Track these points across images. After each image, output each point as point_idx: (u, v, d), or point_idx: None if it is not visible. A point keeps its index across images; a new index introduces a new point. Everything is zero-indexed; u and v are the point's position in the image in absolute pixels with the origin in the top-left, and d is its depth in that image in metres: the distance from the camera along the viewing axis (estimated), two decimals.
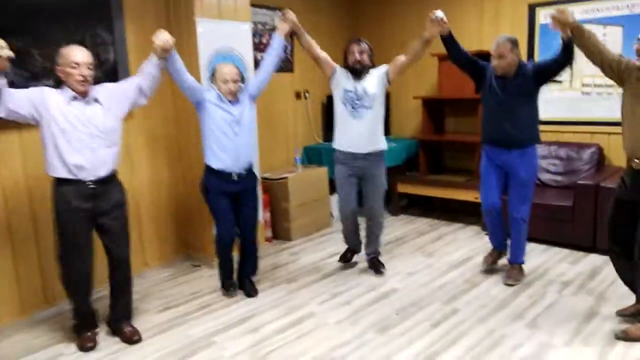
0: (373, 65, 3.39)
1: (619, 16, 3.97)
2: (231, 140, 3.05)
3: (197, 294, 3.42)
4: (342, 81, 3.37)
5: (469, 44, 4.64)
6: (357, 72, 3.32)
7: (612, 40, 4.01)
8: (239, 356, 2.64)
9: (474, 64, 3.28)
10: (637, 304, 2.74)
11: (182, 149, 3.94)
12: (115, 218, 2.72)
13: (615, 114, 4.16)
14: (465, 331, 2.79)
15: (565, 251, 3.89)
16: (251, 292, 3.33)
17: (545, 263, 3.70)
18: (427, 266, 3.74)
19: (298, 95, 5.08)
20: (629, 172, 2.55)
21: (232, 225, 3.18)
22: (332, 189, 4.92)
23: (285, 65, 4.87)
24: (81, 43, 3.20)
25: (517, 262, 3.43)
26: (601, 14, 4.07)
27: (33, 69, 3.05)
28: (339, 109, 3.42)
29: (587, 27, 2.63)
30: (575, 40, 2.66)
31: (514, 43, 3.10)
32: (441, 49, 4.95)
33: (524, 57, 4.43)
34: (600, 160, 4.12)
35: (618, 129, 4.05)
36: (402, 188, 4.98)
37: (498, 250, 3.57)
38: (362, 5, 5.53)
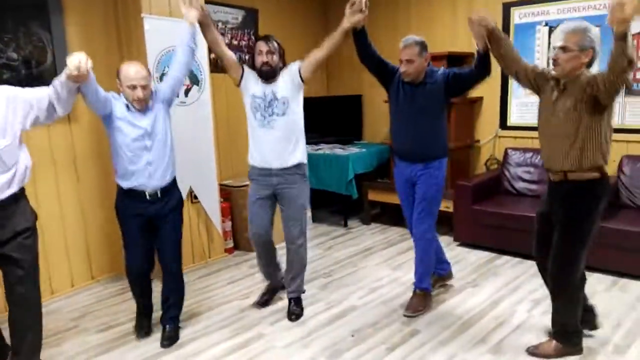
0: (284, 65, 2.89)
1: (597, 16, 3.77)
2: (141, 156, 2.59)
3: None
4: (250, 86, 2.87)
5: (442, 44, 4.45)
6: (266, 75, 2.83)
7: None
8: None
9: (383, 66, 2.93)
10: None
11: None
12: (19, 248, 2.22)
13: None
14: (423, 355, 2.56)
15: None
16: (165, 340, 2.75)
17: (516, 278, 3.49)
18: (392, 280, 3.51)
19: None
20: (548, 183, 2.46)
21: (143, 253, 2.71)
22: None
23: (251, 66, 4.63)
24: (15, 41, 3.01)
25: (419, 288, 3.06)
26: (578, 13, 3.87)
27: None
28: (249, 118, 2.92)
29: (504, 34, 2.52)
30: (492, 47, 2.52)
31: (423, 46, 2.81)
32: None
33: (497, 74, 4.22)
34: None
35: None
36: (373, 196, 4.76)
37: (436, 274, 3.26)
38: (334, 7, 5.31)
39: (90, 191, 3.55)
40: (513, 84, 4.25)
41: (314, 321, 2.97)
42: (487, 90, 4.39)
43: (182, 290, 2.88)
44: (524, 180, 4.07)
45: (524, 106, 4.22)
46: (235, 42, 4.48)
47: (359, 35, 2.80)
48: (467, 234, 4.07)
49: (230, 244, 4.21)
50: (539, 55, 4.10)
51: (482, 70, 2.70)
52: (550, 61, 2.40)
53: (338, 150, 4.73)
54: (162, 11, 3.46)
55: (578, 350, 2.49)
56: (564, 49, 2.23)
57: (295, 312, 3.03)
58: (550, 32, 4.02)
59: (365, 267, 3.79)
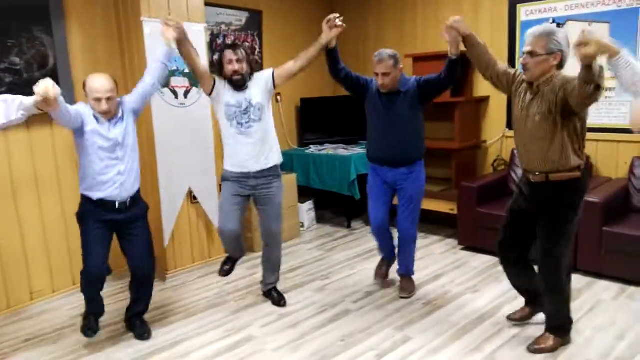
0: (252, 72, 2.96)
1: (606, 12, 3.63)
2: (113, 166, 2.60)
3: None
4: (223, 95, 2.91)
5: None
6: (237, 83, 2.88)
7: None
8: None
9: (356, 81, 3.06)
10: (525, 307, 2.82)
11: None
12: None
13: (604, 120, 3.91)
14: None
15: None
16: (144, 334, 2.84)
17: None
18: (389, 284, 3.46)
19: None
20: (527, 183, 2.49)
21: (103, 259, 2.67)
22: (302, 196, 4.69)
23: (254, 67, 4.62)
24: (17, 46, 3.05)
25: (408, 275, 3.32)
26: (586, 9, 3.73)
27: None
28: (224, 126, 2.95)
29: (479, 38, 2.56)
30: (468, 51, 2.57)
31: (396, 59, 2.92)
32: (415, 49, 4.69)
33: (503, 55, 4.14)
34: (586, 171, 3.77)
35: (608, 136, 3.72)
36: None
37: (388, 260, 3.44)
38: (338, 8, 5.26)
39: None
40: None
41: (306, 324, 2.94)
42: (494, 89, 4.27)
43: (151, 291, 2.90)
44: None
45: None
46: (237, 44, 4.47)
47: (331, 52, 2.93)
48: (471, 237, 3.98)
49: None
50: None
51: (449, 78, 2.83)
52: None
53: (341, 150, 4.69)
54: (161, 14, 3.47)
55: (569, 339, 2.61)
56: (531, 53, 2.26)
57: (282, 298, 3.22)
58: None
59: (364, 270, 3.74)
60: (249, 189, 3.00)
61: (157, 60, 2.76)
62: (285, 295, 3.29)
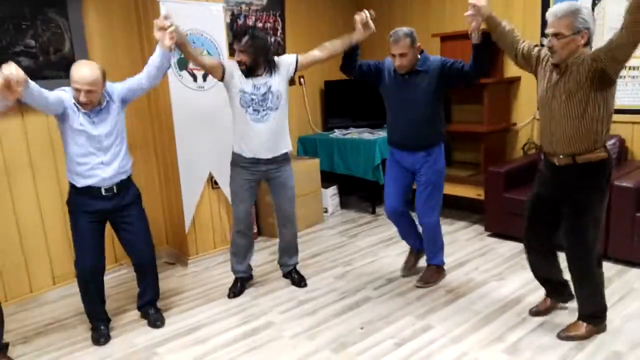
0: (268, 57, 2.84)
1: None
2: (96, 155, 2.52)
3: None
4: (237, 81, 2.84)
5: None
6: (245, 72, 2.82)
7: None
8: None
9: (368, 71, 2.94)
10: (546, 299, 2.74)
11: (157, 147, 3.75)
12: None
13: None
14: (432, 353, 2.43)
15: None
16: (157, 322, 2.81)
17: None
18: (415, 273, 3.37)
19: (292, 82, 4.72)
20: (550, 167, 2.37)
21: (96, 253, 2.59)
22: (326, 181, 4.63)
23: (277, 49, 4.55)
24: (32, 29, 3.06)
25: (433, 264, 3.18)
26: None
27: None
28: (237, 112, 2.90)
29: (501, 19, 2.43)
30: (491, 34, 2.44)
31: (413, 37, 2.76)
32: (442, 29, 4.50)
33: (536, 37, 3.94)
34: (621, 154, 3.58)
35: None
36: None
37: (415, 251, 3.34)
38: None
39: None
40: None
41: (326, 311, 2.90)
42: None
43: (155, 277, 2.87)
44: None
45: None
46: (260, 25, 4.41)
47: (354, 50, 2.84)
48: (498, 223, 3.84)
49: (254, 229, 4.19)
50: None
51: (476, 70, 2.68)
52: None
53: (366, 134, 4.58)
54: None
55: (604, 327, 2.51)
56: (556, 35, 2.14)
57: (303, 279, 3.25)
58: (594, 5, 3.67)
59: (387, 257, 3.66)
60: (260, 174, 3.01)
61: (155, 67, 2.62)
62: (308, 281, 3.26)
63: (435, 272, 3.18)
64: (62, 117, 2.47)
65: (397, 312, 2.84)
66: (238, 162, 3.00)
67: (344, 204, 4.95)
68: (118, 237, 2.74)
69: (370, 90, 5.00)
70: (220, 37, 3.61)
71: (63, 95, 2.45)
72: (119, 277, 3.54)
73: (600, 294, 2.45)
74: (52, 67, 3.13)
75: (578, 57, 2.15)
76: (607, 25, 3.60)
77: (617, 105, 3.64)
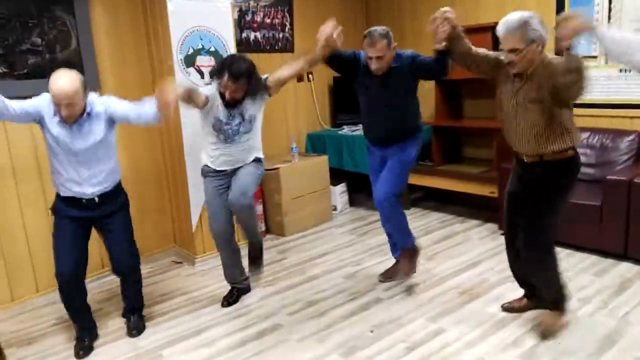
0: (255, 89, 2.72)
1: None
2: (76, 169, 2.42)
3: (164, 296, 3.18)
4: (215, 110, 2.71)
5: (487, 14, 4.08)
6: (231, 104, 2.69)
7: None
8: None
9: (347, 61, 2.81)
10: (523, 298, 2.72)
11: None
12: None
13: None
14: (445, 358, 2.35)
15: (591, 258, 3.30)
16: (133, 330, 2.69)
17: (564, 273, 3.12)
18: (423, 272, 3.28)
19: (300, 78, 4.66)
20: (519, 164, 2.44)
21: (75, 257, 2.48)
22: (335, 179, 4.55)
23: (284, 45, 4.48)
24: (39, 26, 3.01)
25: (406, 247, 3.00)
26: None
27: None
28: (208, 133, 2.77)
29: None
30: (452, 45, 2.42)
31: (389, 38, 2.65)
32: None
33: (550, 46, 3.80)
34: None
35: None
36: (414, 179, 4.49)
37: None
38: None
39: None
40: None
41: (334, 313, 2.83)
42: None
43: (140, 283, 2.78)
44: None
45: None
46: (267, 21, 4.33)
47: (334, 58, 2.76)
48: None
49: (262, 228, 4.13)
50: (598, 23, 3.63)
51: (439, 72, 2.63)
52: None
53: None
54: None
55: (566, 310, 2.53)
56: (513, 50, 2.15)
57: (256, 261, 3.02)
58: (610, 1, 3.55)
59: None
60: (227, 180, 2.86)
61: (143, 119, 2.48)
62: (315, 282, 3.19)
63: (409, 258, 3.00)
64: (42, 127, 2.38)
65: (409, 315, 2.76)
66: (206, 172, 2.87)
67: (353, 202, 4.87)
68: (103, 242, 2.66)
69: None
70: (228, 34, 3.53)
71: (40, 102, 2.33)
72: None
73: (558, 278, 2.46)
74: (59, 65, 3.07)
75: (538, 65, 2.18)
76: (624, 18, 3.48)
77: (636, 99, 3.57)
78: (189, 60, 3.40)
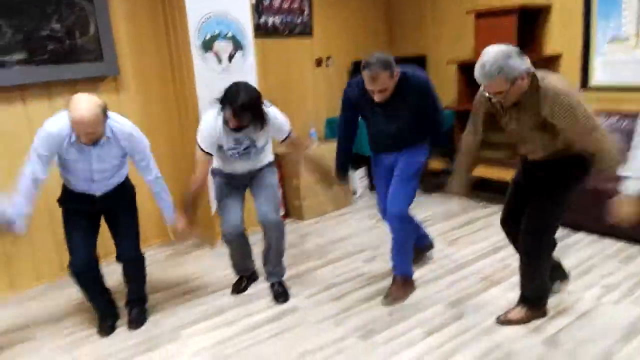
0: (264, 119, 2.56)
1: None
2: (85, 174, 2.45)
3: (186, 277, 3.23)
4: (220, 139, 2.63)
5: None
6: (235, 130, 2.57)
7: None
8: (198, 356, 2.39)
9: (354, 117, 2.80)
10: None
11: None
12: None
13: None
14: (463, 344, 2.33)
15: (618, 245, 3.22)
16: (131, 323, 2.67)
17: (589, 259, 3.08)
18: (443, 257, 3.26)
19: (319, 63, 4.62)
20: (526, 159, 2.39)
21: (86, 250, 2.52)
22: (354, 164, 4.52)
23: (303, 29, 4.44)
24: (57, 13, 3.03)
25: (400, 274, 2.81)
26: None
27: (1, 42, 2.88)
28: (216, 151, 2.70)
29: None
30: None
31: (391, 66, 2.44)
32: (477, 4, 4.30)
33: (578, 28, 3.70)
34: None
35: None
36: (435, 164, 4.41)
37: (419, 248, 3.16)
38: None
39: None
40: (597, 38, 3.69)
41: (352, 297, 2.83)
42: (566, 45, 3.87)
43: (142, 275, 2.76)
44: None
45: (610, 64, 3.64)
46: (285, 5, 4.28)
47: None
48: None
49: (281, 212, 4.13)
50: (626, 20, 3.51)
51: (437, 141, 2.80)
52: None
53: None
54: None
55: (543, 313, 2.48)
56: (498, 93, 2.06)
57: (280, 298, 2.87)
58: None
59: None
60: (242, 180, 2.84)
61: (160, 198, 2.62)
62: (333, 265, 3.19)
63: (402, 286, 2.80)
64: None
65: (427, 300, 2.74)
66: (218, 173, 2.85)
67: (372, 187, 4.84)
68: (111, 231, 2.68)
69: None
70: (245, 18, 3.52)
71: (53, 141, 2.30)
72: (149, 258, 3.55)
73: (545, 275, 2.41)
74: (79, 51, 3.12)
75: (533, 92, 2.07)
76: None
77: None
78: (207, 46, 3.40)
